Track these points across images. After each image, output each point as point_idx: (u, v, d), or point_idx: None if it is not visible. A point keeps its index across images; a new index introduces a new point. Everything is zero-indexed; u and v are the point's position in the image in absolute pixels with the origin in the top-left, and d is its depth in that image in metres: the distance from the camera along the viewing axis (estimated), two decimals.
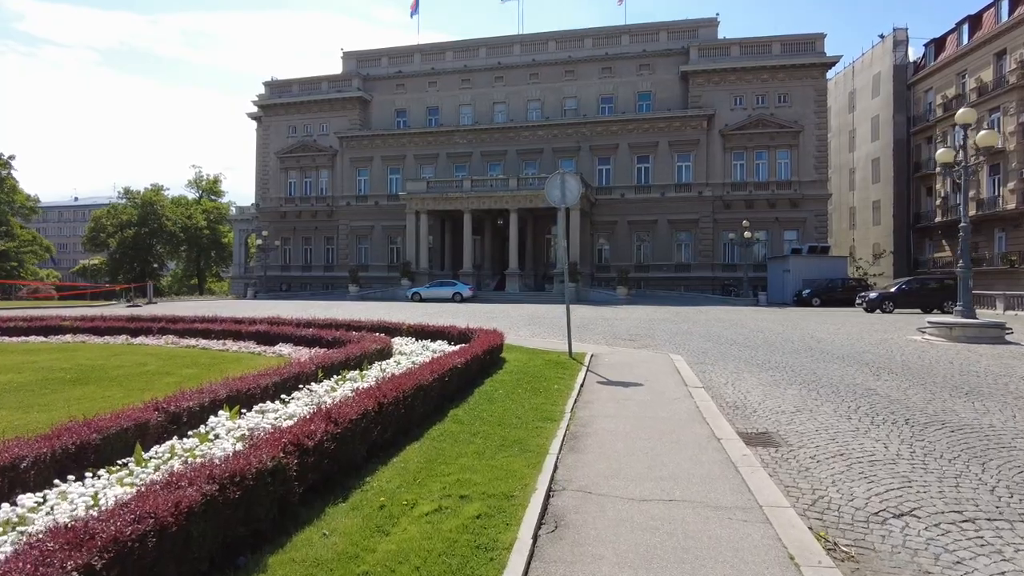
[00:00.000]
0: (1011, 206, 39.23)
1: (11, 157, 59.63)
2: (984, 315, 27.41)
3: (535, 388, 8.00)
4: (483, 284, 46.47)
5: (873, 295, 29.33)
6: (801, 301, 35.95)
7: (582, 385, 8.48)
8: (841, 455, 5.52)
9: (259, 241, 51.90)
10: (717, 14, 49.59)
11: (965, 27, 45.23)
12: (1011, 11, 40.67)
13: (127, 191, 69.21)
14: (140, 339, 13.13)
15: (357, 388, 6.49)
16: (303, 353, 11.02)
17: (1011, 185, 39.73)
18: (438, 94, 53.51)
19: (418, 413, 5.88)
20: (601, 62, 50.23)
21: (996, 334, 13.89)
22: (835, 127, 56.28)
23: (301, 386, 7.03)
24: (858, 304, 30.29)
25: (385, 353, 9.67)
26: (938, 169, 46.99)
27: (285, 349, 11.45)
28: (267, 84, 57.84)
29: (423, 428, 5.81)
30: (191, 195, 76.44)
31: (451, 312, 26.85)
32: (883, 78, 52.02)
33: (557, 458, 5.00)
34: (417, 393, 5.77)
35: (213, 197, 77.66)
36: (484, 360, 8.76)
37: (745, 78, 46.88)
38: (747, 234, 40.99)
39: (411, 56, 55.02)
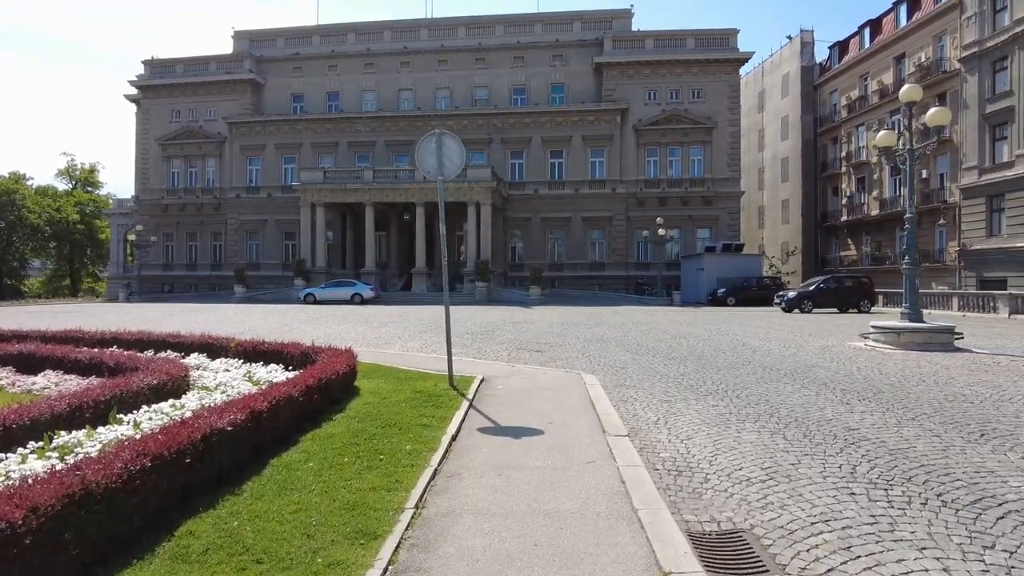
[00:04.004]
0: None
1: None
2: (896, 313, 26.91)
3: (376, 451, 5.14)
4: (389, 284, 43.09)
5: (792, 294, 28.32)
6: (716, 300, 34.86)
7: (454, 438, 5.69)
8: None
9: (132, 236, 46.17)
10: (632, 5, 48.08)
11: (867, 31, 45.97)
12: (909, 16, 41.37)
13: None
14: None
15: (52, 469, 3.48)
16: (70, 384, 7.74)
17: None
18: (339, 78, 49.48)
19: (71, 555, 2.89)
20: (513, 51, 47.86)
21: (947, 340, 12.27)
22: (745, 126, 56.33)
23: None
24: (776, 303, 29.25)
25: (170, 390, 6.55)
26: (843, 168, 47.94)
27: (46, 379, 8.06)
28: (147, 63, 51.93)
29: None
30: (63, 186, 68.42)
31: (342, 316, 23.65)
32: (791, 79, 52.47)
33: None
34: (63, 519, 2.81)
35: (90, 188, 69.91)
36: (303, 404, 5.81)
37: (659, 72, 45.73)
38: (661, 232, 39.67)
39: (309, 37, 50.69)
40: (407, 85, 48.72)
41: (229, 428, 4.31)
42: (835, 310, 27.94)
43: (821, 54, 52.13)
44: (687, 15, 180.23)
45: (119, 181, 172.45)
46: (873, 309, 28.46)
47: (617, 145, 45.27)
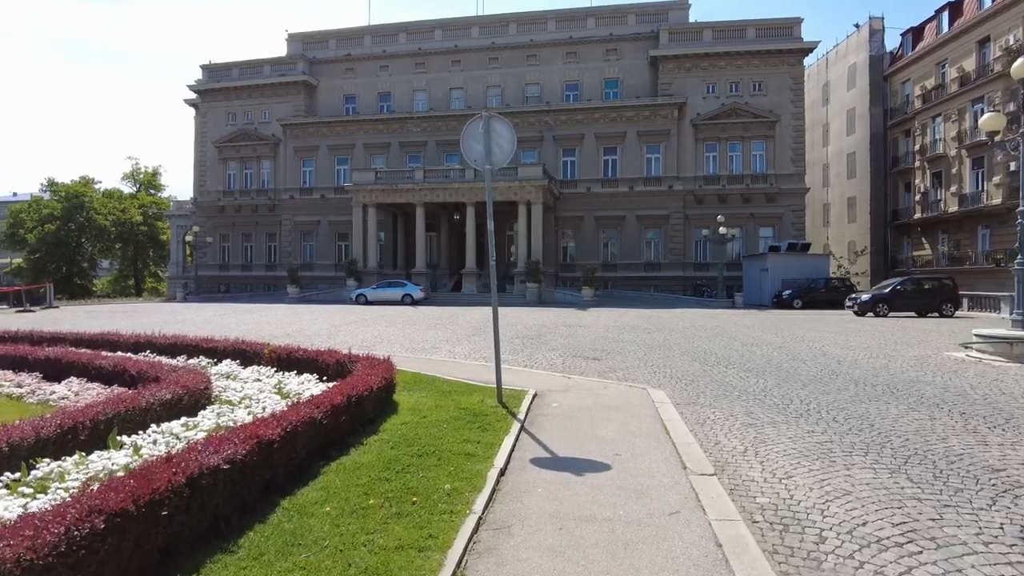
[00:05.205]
0: (996, 201, 36.90)
1: None
2: (987, 318, 24.72)
3: (408, 489, 4.26)
4: (439, 285, 42.63)
5: (865, 297, 26.33)
6: (781, 303, 32.98)
7: (503, 472, 4.77)
8: None
9: (189, 237, 47.11)
10: None
11: (945, 14, 42.98)
12: None
13: (51, 183, 63.33)
14: None
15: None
16: (90, 393, 7.20)
17: (996, 179, 37.41)
18: (390, 79, 49.37)
19: None
20: (565, 46, 46.74)
21: None
22: (808, 121, 53.72)
23: None
24: (848, 306, 27.30)
25: (186, 405, 5.85)
26: (917, 163, 44.95)
27: (68, 388, 7.55)
28: (204, 67, 53.02)
29: None
30: (128, 189, 70.72)
31: (391, 318, 23.15)
32: (858, 69, 49.67)
33: None
34: None
35: (152, 191, 72.00)
36: (328, 427, 4.98)
37: (718, 64, 43.88)
38: (722, 230, 37.85)
39: (361, 38, 50.76)
40: (458, 84, 48.22)
41: (226, 466, 3.49)
42: (913, 314, 25.86)
43: (891, 43, 49.20)
44: (747, 5, 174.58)
45: (178, 184, 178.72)
46: (957, 313, 26.25)
47: (674, 141, 43.64)
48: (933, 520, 4.01)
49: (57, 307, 33.21)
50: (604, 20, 47.01)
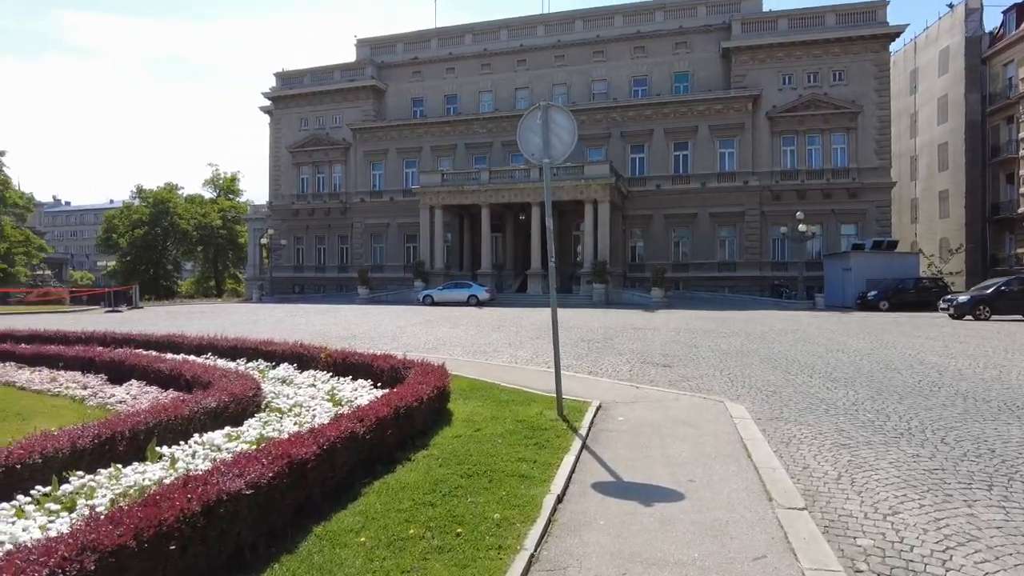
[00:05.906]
0: None
1: (0, 153, 57.25)
2: None
3: (453, 517, 3.83)
4: (505, 285, 42.44)
5: (964, 298, 24.25)
6: (866, 304, 30.99)
7: (561, 499, 4.27)
8: None
9: (264, 240, 48.72)
10: None
11: None
12: None
13: (140, 190, 67.04)
14: None
15: None
16: (147, 397, 7.17)
17: None
18: (456, 80, 49.59)
19: None
20: (633, 41, 45.66)
21: None
22: (894, 111, 50.49)
23: None
24: (943, 308, 25.26)
25: (232, 413, 5.63)
26: (1022, 152, 41.38)
27: (127, 391, 7.57)
28: (278, 75, 54.80)
29: None
30: (208, 194, 74.11)
31: (455, 320, 22.97)
32: (952, 53, 46.21)
33: None
34: None
35: (231, 196, 75.19)
36: (372, 442, 4.61)
37: (795, 54, 41.80)
38: (801, 227, 35.93)
39: (428, 41, 51.21)
40: (523, 83, 47.90)
41: (249, 491, 3.15)
42: (1020, 317, 23.62)
43: (990, 23, 45.51)
44: None
45: (255, 188, 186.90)
46: None
47: (748, 135, 41.86)
48: None
49: (142, 307, 34.93)
50: (673, 13, 45.65)
